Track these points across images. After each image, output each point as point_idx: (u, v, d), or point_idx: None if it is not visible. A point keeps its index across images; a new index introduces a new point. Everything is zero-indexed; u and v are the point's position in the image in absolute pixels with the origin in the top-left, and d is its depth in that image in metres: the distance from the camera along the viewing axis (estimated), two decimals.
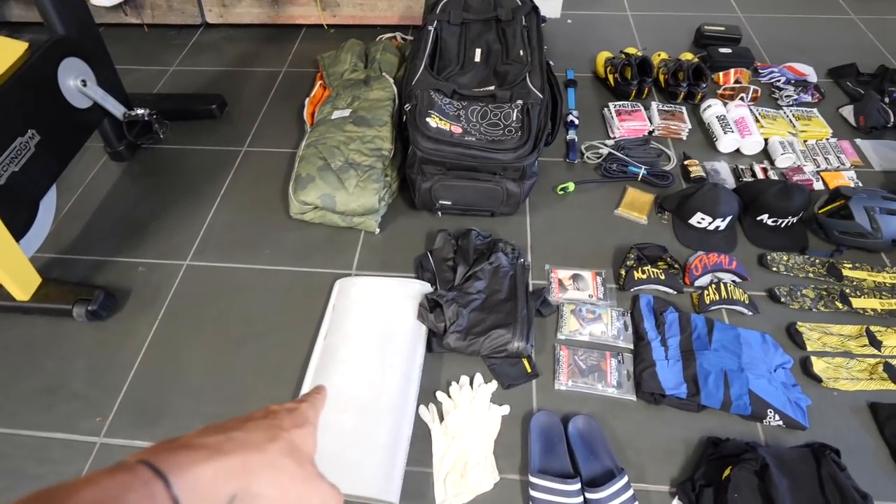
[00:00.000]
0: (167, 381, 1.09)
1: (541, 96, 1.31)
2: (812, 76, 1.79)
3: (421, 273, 1.20)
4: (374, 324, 1.06)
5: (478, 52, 1.48)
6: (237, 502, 0.26)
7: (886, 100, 1.66)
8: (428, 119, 1.20)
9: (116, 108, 1.42)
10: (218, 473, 0.26)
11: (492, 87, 1.36)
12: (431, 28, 1.50)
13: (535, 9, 1.55)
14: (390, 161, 1.35)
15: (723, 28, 1.95)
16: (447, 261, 1.20)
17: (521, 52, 1.42)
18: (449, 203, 1.29)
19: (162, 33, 2.11)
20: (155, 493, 0.23)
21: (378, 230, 1.32)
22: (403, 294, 1.11)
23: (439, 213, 1.34)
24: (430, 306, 1.07)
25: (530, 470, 0.88)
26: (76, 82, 1.28)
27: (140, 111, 1.47)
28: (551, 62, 1.54)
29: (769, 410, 0.94)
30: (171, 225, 1.39)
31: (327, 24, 2.07)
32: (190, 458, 0.25)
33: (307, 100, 1.62)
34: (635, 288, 1.17)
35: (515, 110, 1.26)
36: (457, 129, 1.21)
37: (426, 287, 1.15)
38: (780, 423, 0.95)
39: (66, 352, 1.14)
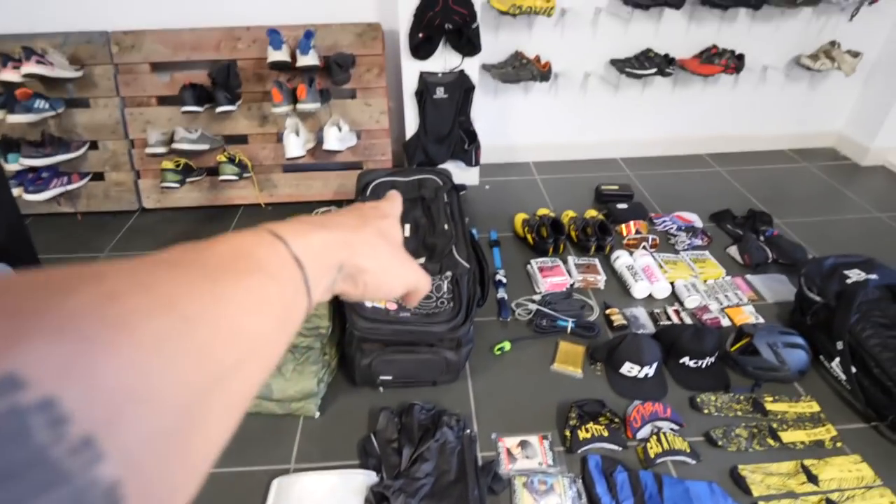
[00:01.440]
0: None
1: (467, 266, 1.42)
2: (697, 222, 2.07)
3: (365, 459, 1.15)
4: None
5: (407, 227, 1.61)
6: (344, 271, 0.29)
7: (762, 238, 1.94)
8: None
9: None
10: (327, 243, 0.27)
11: (422, 260, 1.47)
12: None
13: (455, 187, 1.75)
14: (328, 338, 1.36)
15: (617, 187, 2.27)
16: (391, 442, 1.16)
17: (446, 226, 1.57)
18: (390, 377, 1.29)
19: (96, 219, 2.14)
20: (279, 251, 0.24)
21: (318, 413, 1.28)
22: (347, 489, 1.04)
23: (381, 388, 1.33)
24: (377, 500, 1.01)
25: None
26: None
27: None
28: (474, 230, 1.70)
29: None
30: None
31: (265, 204, 2.20)
32: (301, 228, 0.27)
33: None
34: (582, 449, 1.17)
35: (445, 281, 1.35)
36: (392, 306, 1.27)
37: (371, 477, 1.09)
38: None
39: None
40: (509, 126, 2.47)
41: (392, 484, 1.03)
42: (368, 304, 1.25)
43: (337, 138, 1.94)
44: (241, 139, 2.12)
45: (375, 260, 0.30)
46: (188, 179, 2.03)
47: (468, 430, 1.19)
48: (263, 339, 0.22)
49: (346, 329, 1.31)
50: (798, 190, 2.35)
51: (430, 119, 2.10)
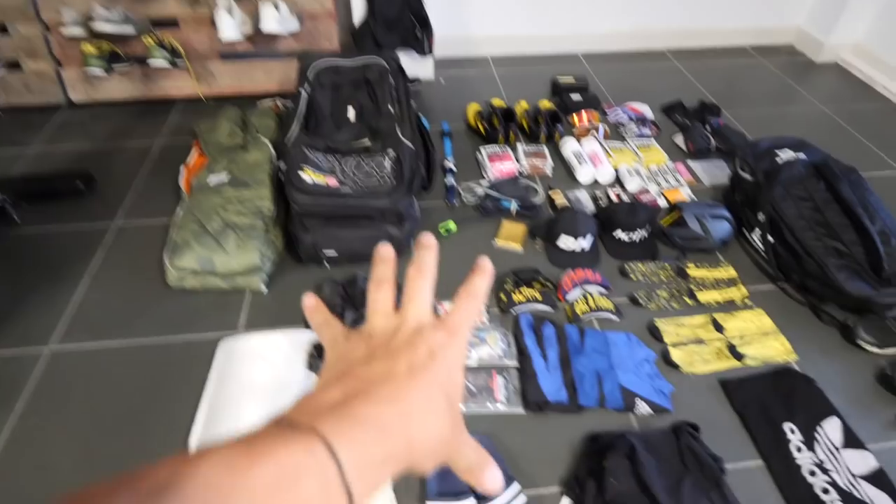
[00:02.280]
0: (31, 485, 0.97)
1: (411, 146, 1.41)
2: (648, 113, 2.09)
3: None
4: (261, 380, 1.04)
5: (350, 109, 1.57)
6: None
7: (708, 128, 1.98)
8: (301, 173, 1.25)
9: None
10: (386, 460, 0.21)
11: (366, 141, 1.45)
12: (304, 91, 1.57)
13: (401, 69, 1.69)
14: (274, 220, 1.36)
15: (573, 79, 2.24)
16: (334, 307, 1.21)
17: (391, 108, 1.53)
18: (334, 253, 1.32)
19: (19, 115, 2.00)
20: (329, 481, 0.19)
21: (266, 290, 1.31)
22: (291, 346, 1.10)
23: (326, 264, 1.37)
24: (319, 353, 1.07)
25: (427, 495, 0.89)
26: None
27: None
28: (425, 121, 1.67)
29: (637, 400, 1.04)
30: (28, 311, 1.28)
31: (205, 97, 2.08)
32: (360, 435, 0.20)
33: (183, 167, 1.61)
34: (515, 309, 1.25)
35: (387, 159, 1.35)
36: (332, 182, 1.27)
37: (315, 336, 1.15)
38: (649, 410, 1.05)
39: None
40: (465, 14, 2.35)
41: None
42: (307, 178, 1.24)
43: (275, 19, 1.81)
44: (171, 23, 1.96)
45: (430, 460, 0.24)
46: (115, 67, 1.89)
47: None
48: None
49: (289, 210, 1.32)
50: (751, 86, 2.36)
51: (377, 0, 1.97)
